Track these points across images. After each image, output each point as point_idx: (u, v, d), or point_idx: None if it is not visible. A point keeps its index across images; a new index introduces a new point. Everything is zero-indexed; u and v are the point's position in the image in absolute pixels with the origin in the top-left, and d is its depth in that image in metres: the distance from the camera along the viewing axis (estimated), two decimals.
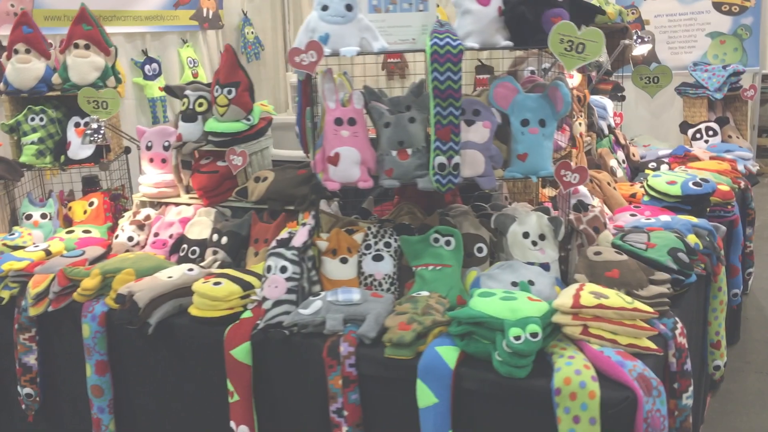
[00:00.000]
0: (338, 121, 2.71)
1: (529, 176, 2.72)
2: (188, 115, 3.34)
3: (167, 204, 3.51)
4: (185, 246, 3.21)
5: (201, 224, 3.25)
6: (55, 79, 3.70)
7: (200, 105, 3.34)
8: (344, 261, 2.75)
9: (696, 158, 4.48)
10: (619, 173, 4.21)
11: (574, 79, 3.48)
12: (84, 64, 3.68)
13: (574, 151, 3.73)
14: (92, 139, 3.35)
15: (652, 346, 2.23)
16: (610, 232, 2.92)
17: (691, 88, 5.12)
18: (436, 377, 2.22)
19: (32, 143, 3.68)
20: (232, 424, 2.61)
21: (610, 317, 2.21)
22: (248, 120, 3.24)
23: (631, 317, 2.22)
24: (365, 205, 3.29)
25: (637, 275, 2.49)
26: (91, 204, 3.76)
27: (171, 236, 3.31)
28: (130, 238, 3.37)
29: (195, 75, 5.83)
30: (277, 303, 2.57)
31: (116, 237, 3.41)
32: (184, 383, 2.81)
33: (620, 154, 4.47)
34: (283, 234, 2.77)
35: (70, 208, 3.79)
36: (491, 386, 2.19)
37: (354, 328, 2.44)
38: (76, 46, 3.70)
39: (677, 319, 2.40)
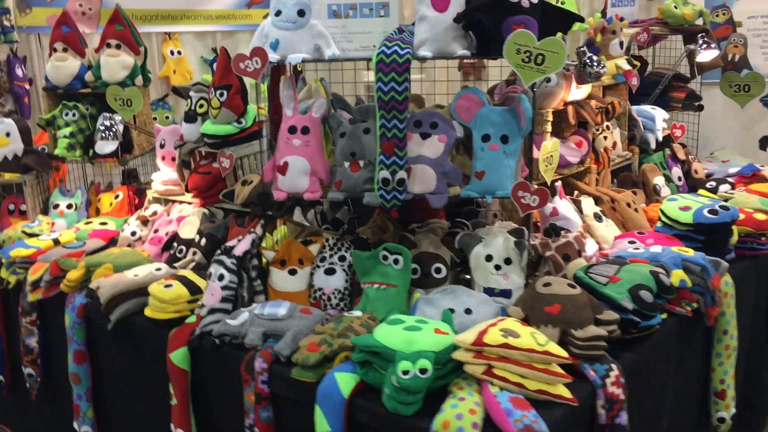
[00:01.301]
0: (291, 129, 2.64)
1: (485, 196, 2.52)
2: (189, 116, 3.40)
3: (174, 202, 3.59)
4: (175, 244, 3.27)
5: (192, 224, 3.30)
6: (88, 76, 3.89)
7: (201, 106, 3.39)
8: (293, 272, 2.69)
9: (765, 179, 4.00)
10: (665, 192, 3.83)
11: (582, 90, 3.19)
12: (114, 63, 3.84)
13: (594, 167, 3.43)
14: (104, 135, 3.49)
15: (566, 394, 2.00)
16: (587, 261, 2.66)
17: None
18: (330, 404, 2.11)
19: (65, 137, 3.88)
20: (172, 426, 2.63)
21: (517, 358, 2.01)
22: (239, 123, 3.24)
23: (541, 360, 2.01)
24: (339, 215, 3.20)
25: (582, 313, 2.24)
26: (116, 197, 3.93)
27: (167, 234, 3.38)
28: (133, 233, 3.48)
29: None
30: (212, 311, 2.56)
31: (122, 231, 3.53)
32: (146, 380, 2.86)
33: (676, 171, 4.06)
34: (233, 241, 2.74)
35: (99, 200, 3.98)
36: (379, 421, 2.05)
37: (274, 344, 2.37)
38: (108, 46, 3.87)
39: (613, 366, 2.14)
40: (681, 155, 4.16)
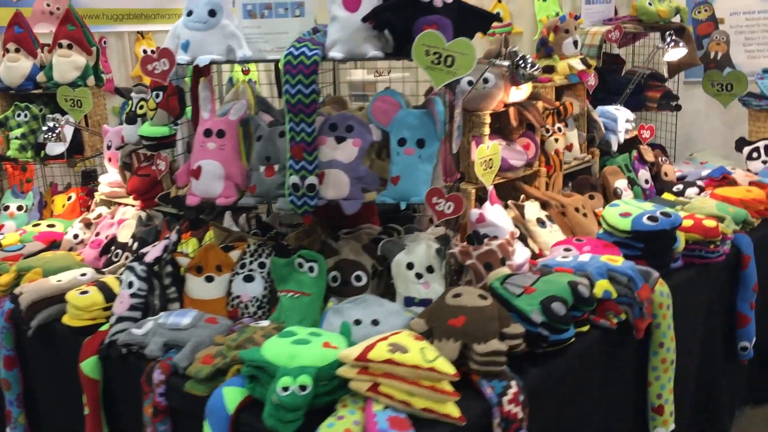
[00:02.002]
0: (207, 133, 2.57)
1: (400, 202, 2.43)
2: (129, 117, 3.34)
3: (119, 204, 3.54)
4: (113, 248, 3.22)
5: (130, 227, 3.25)
6: (40, 77, 3.85)
7: (141, 107, 3.33)
8: (209, 279, 2.62)
9: (734, 182, 3.86)
10: (627, 195, 3.70)
11: (522, 91, 3.07)
12: (65, 63, 3.80)
13: (543, 170, 3.32)
14: (46, 137, 3.45)
15: (454, 413, 1.91)
16: (513, 270, 2.55)
17: (755, 99, 4.41)
18: (217, 420, 2.04)
19: (16, 138, 3.85)
20: None
21: (403, 375, 1.91)
22: (175, 125, 3.18)
23: (428, 377, 1.91)
24: (267, 220, 3.12)
25: (489, 326, 2.14)
26: (69, 198, 3.89)
27: (107, 237, 3.33)
28: (76, 236, 3.43)
29: (245, 72, 5.87)
30: (120, 319, 2.50)
31: (65, 233, 3.49)
32: (66, 388, 2.81)
33: (643, 174, 3.93)
34: (148, 247, 2.68)
35: (53, 202, 3.95)
36: None
37: (175, 355, 2.30)
38: (60, 46, 3.83)
39: (512, 383, 2.04)
40: (649, 157, 4.02)
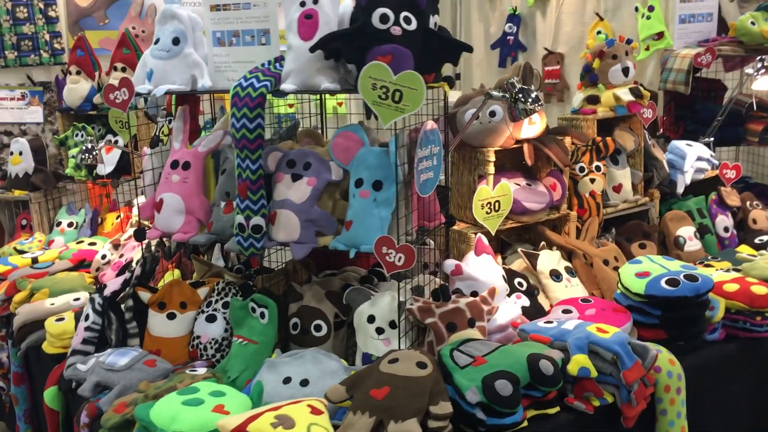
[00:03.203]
0: (173, 164, 2.48)
1: (350, 249, 2.19)
2: (153, 141, 3.34)
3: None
4: (127, 272, 3.21)
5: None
6: (97, 98, 3.97)
7: (163, 132, 3.31)
8: (171, 316, 2.51)
9: None
10: (692, 246, 3.20)
11: (536, 126, 2.69)
12: None
13: (573, 215, 2.93)
14: (83, 158, 3.53)
15: None
16: (483, 333, 2.24)
17: None
18: None
19: (73, 157, 3.99)
20: None
21: None
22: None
23: None
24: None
25: (413, 402, 1.86)
26: (118, 217, 3.98)
27: (126, 260, 3.35)
28: (104, 256, 3.48)
29: (339, 104, 5.83)
30: (73, 352, 2.45)
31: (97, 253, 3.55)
32: None
33: (722, 220, 3.39)
34: (117, 279, 2.62)
35: (105, 219, 4.05)
36: None
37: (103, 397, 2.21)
38: (115, 69, 3.92)
39: None
40: (732, 201, 3.47)
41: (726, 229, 3.41)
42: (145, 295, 2.53)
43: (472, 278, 2.38)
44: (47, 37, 4.65)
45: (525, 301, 2.61)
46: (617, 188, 3.13)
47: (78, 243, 3.76)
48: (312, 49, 2.12)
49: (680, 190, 3.31)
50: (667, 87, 4.06)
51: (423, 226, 2.44)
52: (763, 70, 3.42)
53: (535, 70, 2.89)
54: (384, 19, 2.09)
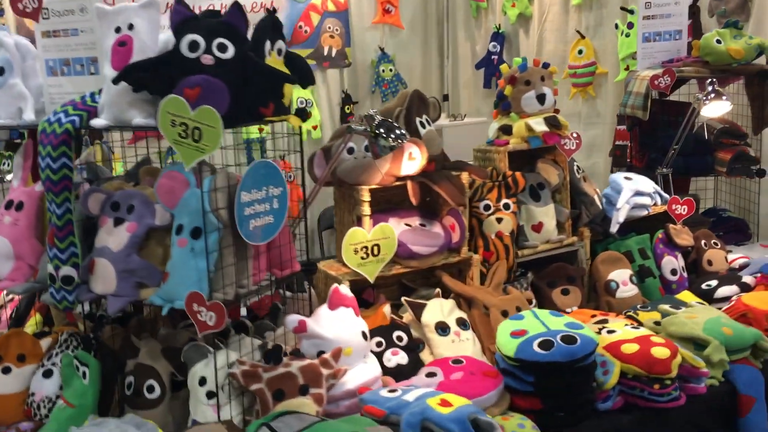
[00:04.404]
0: (8, 204, 2.27)
1: (166, 305, 1.95)
2: None
3: None
4: None
5: None
6: None
7: None
8: (6, 371, 2.29)
9: None
10: (626, 291, 2.86)
11: (416, 162, 2.40)
12: None
13: (477, 258, 2.63)
14: None
15: None
16: (319, 402, 1.96)
17: None
18: None
19: None
20: None
21: None
22: None
23: None
24: None
25: None
26: None
27: None
28: None
29: (314, 127, 5.65)
30: None
31: None
32: None
33: (669, 261, 3.03)
34: None
35: None
36: None
37: None
38: None
39: None
40: (682, 240, 3.11)
41: (674, 272, 3.05)
42: None
43: (319, 336, 2.10)
44: None
45: (402, 358, 2.32)
46: (537, 227, 2.81)
47: None
48: (114, 81, 1.89)
49: (613, 229, 2.96)
50: (627, 112, 3.73)
51: (274, 275, 2.18)
52: (713, 95, 3.06)
53: (433, 98, 2.62)
54: (193, 47, 1.86)
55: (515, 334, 2.12)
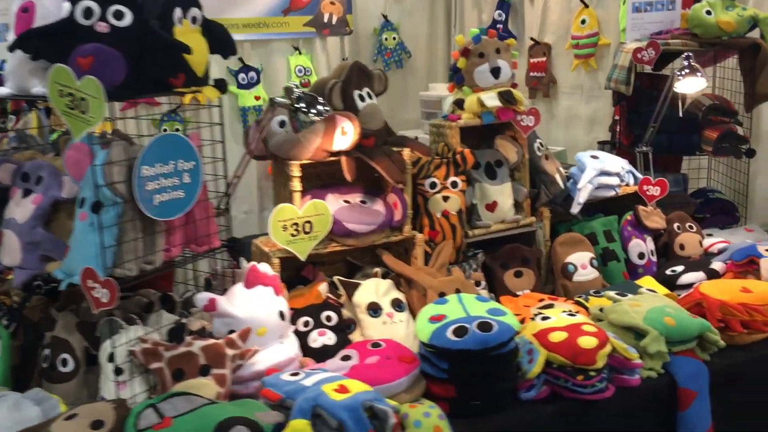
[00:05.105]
0: None
1: (66, 280, 1.92)
2: None
3: None
4: None
5: None
6: None
7: None
8: None
9: (754, 271, 2.71)
10: (585, 274, 2.75)
11: (348, 137, 2.29)
12: None
13: (420, 237, 2.55)
14: None
15: None
16: (221, 383, 1.91)
17: None
18: None
19: None
20: None
21: None
22: None
23: None
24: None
25: None
26: None
27: None
28: None
29: (305, 84, 5.55)
30: None
31: None
32: None
33: (637, 245, 2.91)
34: None
35: None
36: None
37: None
38: None
39: None
40: (652, 222, 2.98)
41: (641, 256, 2.93)
42: None
43: (229, 315, 2.04)
44: None
45: (329, 339, 2.26)
46: (491, 206, 2.70)
47: None
48: (10, 48, 1.84)
49: (574, 210, 2.83)
50: (611, 86, 3.56)
51: (191, 251, 2.13)
52: (687, 70, 2.88)
53: (378, 71, 2.51)
54: (88, 13, 1.79)
55: (433, 319, 2.04)
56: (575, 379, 2.03)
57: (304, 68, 5.56)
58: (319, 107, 2.11)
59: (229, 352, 1.96)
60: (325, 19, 5.60)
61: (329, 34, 5.68)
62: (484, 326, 1.95)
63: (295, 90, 2.12)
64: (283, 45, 5.53)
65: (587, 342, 2.04)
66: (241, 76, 5.34)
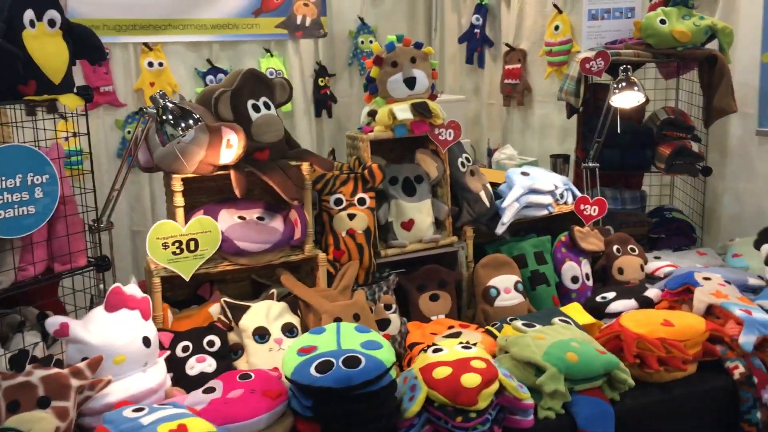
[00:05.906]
0: None
1: None
2: None
3: None
4: None
5: None
6: None
7: None
8: None
9: (685, 301, 2.53)
10: (507, 299, 2.57)
11: (232, 150, 2.14)
12: None
13: (322, 257, 2.39)
14: None
15: None
16: (63, 418, 1.77)
17: None
18: None
19: None
20: None
21: None
22: None
23: None
24: None
25: None
26: None
27: None
28: None
29: None
30: None
31: None
32: None
33: (571, 267, 2.74)
34: None
35: None
36: None
37: None
38: None
39: None
40: (589, 244, 2.80)
41: (575, 280, 2.75)
42: None
43: (82, 341, 1.90)
44: None
45: (209, 366, 2.12)
46: (407, 224, 2.54)
47: None
48: None
49: (499, 230, 2.66)
50: (562, 98, 3.38)
51: (53, 269, 1.99)
52: (624, 83, 2.69)
53: (280, 79, 2.36)
54: None
55: (302, 351, 1.88)
56: (454, 420, 1.86)
57: (276, 71, 5.42)
58: (190, 120, 1.96)
59: (75, 382, 1.81)
60: (298, 21, 5.46)
61: (302, 36, 5.54)
62: (351, 362, 1.79)
63: (161, 101, 1.97)
64: (254, 47, 5.40)
65: (470, 380, 1.87)
66: (209, 78, 5.21)
